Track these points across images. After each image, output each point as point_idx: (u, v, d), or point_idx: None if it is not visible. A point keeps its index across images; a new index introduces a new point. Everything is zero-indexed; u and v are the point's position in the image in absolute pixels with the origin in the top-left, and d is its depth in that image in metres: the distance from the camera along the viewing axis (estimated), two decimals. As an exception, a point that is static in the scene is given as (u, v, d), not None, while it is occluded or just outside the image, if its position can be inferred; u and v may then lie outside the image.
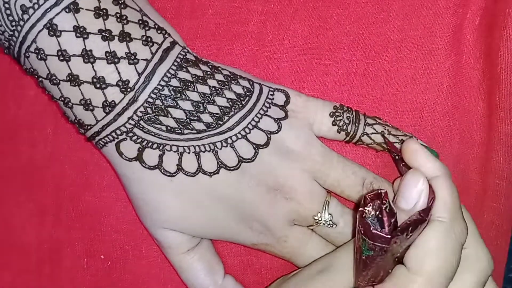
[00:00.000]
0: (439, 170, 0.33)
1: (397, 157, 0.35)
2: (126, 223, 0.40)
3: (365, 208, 0.30)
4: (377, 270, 0.31)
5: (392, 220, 0.30)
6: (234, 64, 0.39)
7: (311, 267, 0.35)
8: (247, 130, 0.35)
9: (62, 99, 0.33)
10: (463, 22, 0.39)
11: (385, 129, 0.37)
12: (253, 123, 0.35)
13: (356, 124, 0.37)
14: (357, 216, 0.30)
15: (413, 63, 0.39)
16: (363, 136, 0.37)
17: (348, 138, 0.37)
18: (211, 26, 0.40)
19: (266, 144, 0.35)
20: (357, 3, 0.39)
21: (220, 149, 0.35)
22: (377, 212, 0.30)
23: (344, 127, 0.37)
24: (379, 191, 0.30)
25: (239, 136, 0.35)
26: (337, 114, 0.37)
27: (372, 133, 0.37)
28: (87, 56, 0.32)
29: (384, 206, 0.30)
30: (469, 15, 0.39)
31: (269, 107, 0.36)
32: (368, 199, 0.30)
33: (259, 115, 0.35)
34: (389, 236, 0.29)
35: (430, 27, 0.39)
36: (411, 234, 0.30)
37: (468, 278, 0.32)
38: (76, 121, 0.34)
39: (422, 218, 0.30)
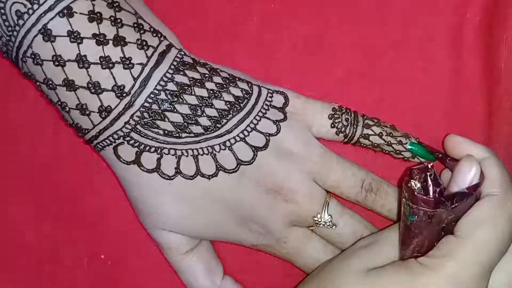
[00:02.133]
0: (486, 151, 0.33)
1: (440, 155, 0.36)
2: (127, 223, 0.40)
3: (411, 180, 0.30)
4: (421, 240, 0.31)
5: (437, 189, 0.30)
6: (234, 64, 0.38)
7: (355, 244, 0.36)
8: (245, 133, 0.35)
9: (60, 103, 0.33)
10: (463, 22, 0.39)
11: (384, 130, 0.37)
12: (252, 125, 0.35)
13: (355, 126, 0.37)
14: (403, 186, 0.30)
15: (413, 63, 0.39)
16: (361, 137, 0.37)
17: (346, 140, 0.37)
18: (211, 26, 0.40)
19: (265, 146, 0.35)
20: (358, 3, 0.39)
21: (219, 152, 0.34)
22: (423, 182, 0.30)
23: (343, 129, 0.37)
24: (425, 164, 0.31)
25: (238, 138, 0.34)
26: (335, 116, 0.37)
27: (371, 135, 0.37)
28: (82, 61, 0.32)
29: (429, 174, 0.30)
30: (469, 15, 0.39)
31: (268, 109, 0.35)
32: (415, 172, 0.30)
33: (257, 117, 0.35)
34: (432, 199, 0.29)
35: (430, 27, 0.39)
36: (456, 204, 0.30)
37: None
38: (74, 124, 0.34)
39: (468, 192, 0.30)
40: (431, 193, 0.30)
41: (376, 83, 0.39)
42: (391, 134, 0.37)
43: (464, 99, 0.39)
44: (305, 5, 0.40)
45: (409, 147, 0.37)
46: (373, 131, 0.37)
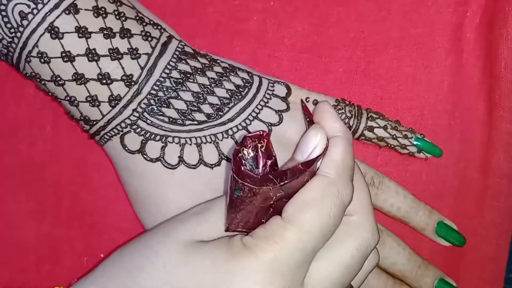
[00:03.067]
0: (341, 132, 0.31)
1: (308, 119, 0.34)
2: (126, 222, 0.40)
3: (243, 148, 0.28)
4: (246, 215, 0.29)
5: (269, 162, 0.28)
6: (234, 62, 0.39)
7: (187, 211, 0.33)
8: (247, 122, 0.35)
9: (68, 98, 0.34)
10: (463, 20, 0.39)
11: (388, 124, 0.37)
12: (254, 114, 0.35)
13: (359, 118, 0.37)
14: (232, 154, 0.28)
15: (414, 61, 0.39)
16: (365, 130, 0.37)
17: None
18: (211, 24, 0.40)
19: None
20: (358, 1, 0.39)
21: (221, 140, 0.35)
22: (255, 153, 0.28)
23: (346, 120, 0.37)
24: (260, 132, 0.28)
25: (240, 127, 0.35)
26: (339, 107, 0.37)
27: (375, 127, 0.37)
28: (92, 54, 0.33)
29: (260, 145, 0.28)
30: (470, 14, 0.39)
31: (270, 99, 0.36)
32: (248, 140, 0.28)
33: (259, 107, 0.35)
34: (257, 176, 0.27)
35: (430, 25, 0.39)
36: (286, 181, 0.27)
37: (348, 243, 0.30)
38: (82, 118, 0.35)
39: (301, 168, 0.28)
40: (260, 167, 0.28)
41: (376, 81, 0.39)
42: (396, 128, 0.37)
43: (464, 97, 0.39)
44: (304, 4, 0.40)
45: (415, 142, 0.37)
46: (377, 123, 0.37)
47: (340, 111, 0.37)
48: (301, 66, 0.39)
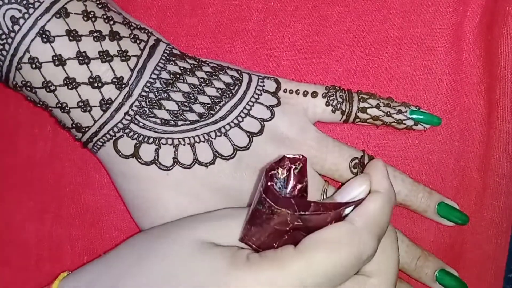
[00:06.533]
0: (385, 190, 0.30)
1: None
2: (127, 221, 0.40)
3: (278, 167, 0.28)
4: (260, 231, 0.29)
5: (298, 186, 0.28)
6: (234, 62, 0.39)
7: (211, 212, 0.33)
8: (239, 119, 0.35)
9: (59, 105, 0.34)
10: (463, 20, 0.39)
11: (381, 102, 0.37)
12: (245, 111, 0.35)
13: (350, 102, 0.37)
14: (266, 168, 0.28)
15: (413, 60, 0.39)
16: (359, 112, 0.37)
17: (344, 117, 0.37)
18: (211, 24, 0.40)
19: (260, 131, 0.35)
20: (357, 1, 0.40)
21: (215, 138, 0.35)
22: (288, 174, 0.28)
23: (338, 106, 0.37)
24: (300, 156, 0.28)
25: (232, 124, 0.35)
26: (329, 94, 0.37)
27: (368, 108, 0.37)
28: (82, 57, 0.33)
29: (294, 167, 0.28)
30: (469, 13, 0.39)
31: (261, 94, 0.36)
32: (286, 159, 0.28)
33: (250, 103, 0.36)
34: (279, 196, 0.27)
35: (430, 25, 0.39)
36: (306, 213, 0.27)
37: None
38: (73, 125, 0.35)
39: (326, 207, 0.28)
40: (288, 188, 0.28)
41: (375, 81, 0.39)
42: (389, 105, 0.37)
43: (464, 96, 0.39)
44: (304, 3, 0.40)
45: (411, 115, 0.37)
46: (369, 103, 0.37)
47: (331, 97, 0.37)
48: (301, 65, 0.40)
